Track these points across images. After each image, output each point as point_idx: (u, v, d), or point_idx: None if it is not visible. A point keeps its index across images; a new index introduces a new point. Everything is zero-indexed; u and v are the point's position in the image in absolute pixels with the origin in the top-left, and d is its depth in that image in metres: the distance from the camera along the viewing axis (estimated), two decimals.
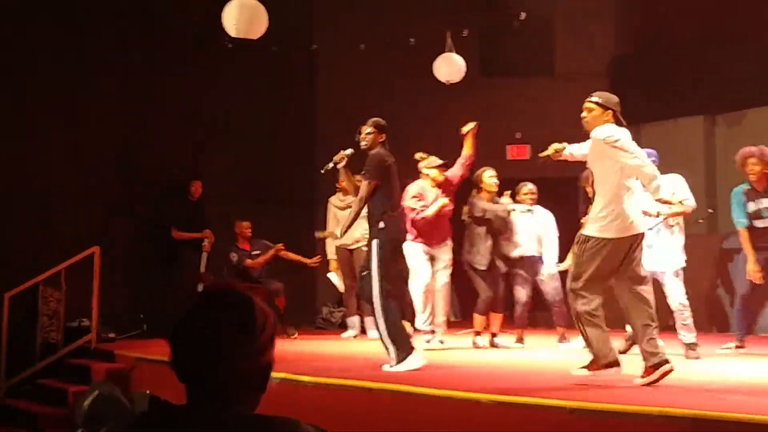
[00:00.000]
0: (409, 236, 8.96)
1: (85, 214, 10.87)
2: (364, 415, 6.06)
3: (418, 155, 9.28)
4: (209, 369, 1.95)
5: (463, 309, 12.18)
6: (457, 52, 11.09)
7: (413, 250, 8.89)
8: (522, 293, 9.21)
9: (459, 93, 11.61)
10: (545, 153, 6.92)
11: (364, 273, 7.11)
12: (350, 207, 10.04)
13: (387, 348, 6.88)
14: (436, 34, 11.31)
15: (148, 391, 7.33)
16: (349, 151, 7.66)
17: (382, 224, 7.11)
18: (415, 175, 9.28)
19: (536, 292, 9.37)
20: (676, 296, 7.75)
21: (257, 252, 10.99)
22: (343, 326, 10.97)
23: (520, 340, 9.36)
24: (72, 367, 9.66)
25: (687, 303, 7.75)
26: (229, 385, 1.97)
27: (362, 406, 6.16)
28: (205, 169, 11.74)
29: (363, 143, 7.42)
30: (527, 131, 13.09)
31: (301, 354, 8.46)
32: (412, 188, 9.06)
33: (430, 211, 8.87)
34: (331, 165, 7.68)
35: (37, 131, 10.71)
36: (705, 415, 4.63)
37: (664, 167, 7.56)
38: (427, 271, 8.87)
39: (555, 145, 6.89)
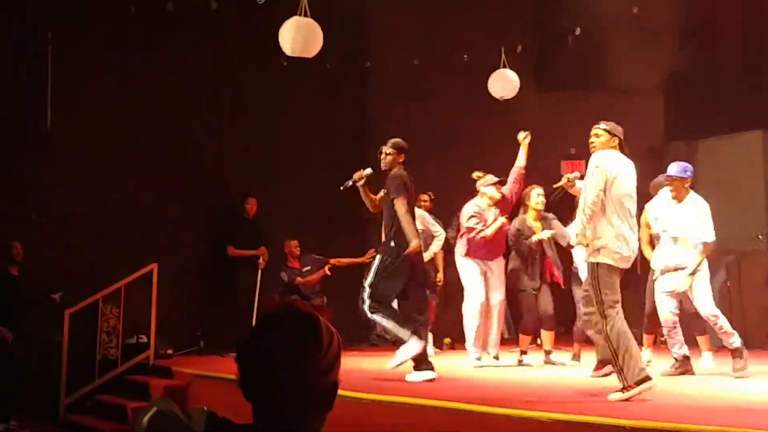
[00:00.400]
0: (461, 251, 9.01)
1: (144, 231, 11.02)
2: None
3: (475, 174, 9.28)
4: (276, 388, 1.95)
5: (516, 325, 12.09)
6: (511, 68, 11.06)
7: (468, 268, 8.90)
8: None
9: (513, 109, 11.58)
10: (559, 184, 7.49)
11: (372, 279, 7.58)
12: None
13: (401, 337, 7.41)
14: (490, 50, 11.29)
15: (205, 408, 7.41)
16: (368, 170, 7.91)
17: (393, 243, 7.50)
18: (466, 189, 9.30)
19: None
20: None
21: (307, 268, 11.12)
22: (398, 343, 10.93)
23: (576, 356, 9.24)
24: (131, 384, 9.78)
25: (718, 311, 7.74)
26: (296, 405, 1.97)
27: (424, 425, 6.15)
28: (259, 187, 11.83)
29: (383, 164, 7.69)
30: (582, 147, 12.94)
31: (358, 371, 8.47)
32: (470, 207, 9.09)
33: (489, 231, 8.88)
34: (350, 183, 7.97)
35: (99, 150, 10.91)
36: None
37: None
38: (481, 292, 8.85)
39: (568, 175, 7.48)
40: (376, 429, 6.32)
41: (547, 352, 9.13)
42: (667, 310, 7.95)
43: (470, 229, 8.91)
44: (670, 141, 12.50)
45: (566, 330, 9.71)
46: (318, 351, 1.97)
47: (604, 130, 6.76)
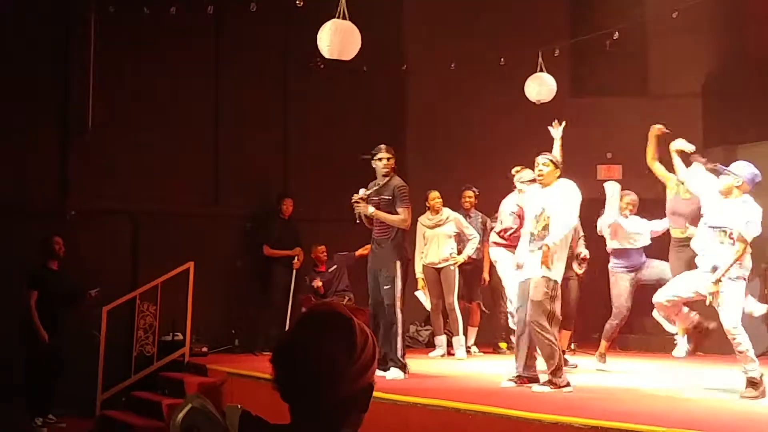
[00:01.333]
0: (496, 244, 9.20)
1: (181, 230, 11.13)
2: None
3: (514, 170, 9.23)
4: (311, 390, 1.97)
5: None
6: (548, 72, 11.04)
7: (506, 262, 8.88)
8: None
9: (550, 113, 11.54)
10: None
11: (386, 287, 7.91)
12: (439, 225, 10.12)
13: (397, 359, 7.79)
14: (527, 53, 11.28)
15: (239, 406, 7.48)
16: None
17: (396, 254, 8.03)
18: (501, 191, 9.34)
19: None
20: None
21: (333, 267, 11.17)
22: (431, 345, 10.96)
23: (601, 356, 9.09)
24: (166, 380, 9.90)
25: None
26: (332, 405, 1.99)
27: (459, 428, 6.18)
28: (295, 189, 11.91)
29: (383, 170, 8.10)
30: (618, 151, 12.93)
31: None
32: (508, 204, 9.14)
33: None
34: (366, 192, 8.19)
35: (138, 148, 11.05)
36: None
37: (759, 190, 7.35)
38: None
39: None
40: (414, 431, 6.36)
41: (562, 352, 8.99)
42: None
43: (507, 228, 8.93)
44: (708, 147, 12.40)
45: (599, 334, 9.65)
46: (353, 353, 1.99)
47: (550, 161, 7.31)
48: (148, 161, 11.12)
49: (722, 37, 12.94)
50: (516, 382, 7.28)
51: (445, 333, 10.52)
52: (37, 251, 9.62)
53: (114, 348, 10.06)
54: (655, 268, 8.99)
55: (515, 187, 9.16)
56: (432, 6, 12.94)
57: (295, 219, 11.49)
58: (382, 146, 8.23)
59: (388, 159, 8.13)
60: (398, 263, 7.98)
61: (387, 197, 8.04)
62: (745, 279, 6.87)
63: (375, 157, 8.16)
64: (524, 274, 7.23)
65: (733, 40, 12.94)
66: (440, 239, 10.22)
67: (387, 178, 8.13)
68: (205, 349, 10.66)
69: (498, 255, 9.35)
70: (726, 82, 12.63)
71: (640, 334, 11.25)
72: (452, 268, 10.22)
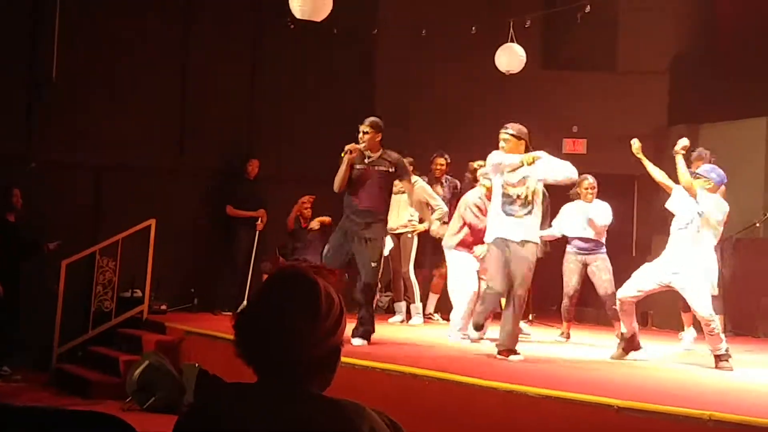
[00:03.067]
0: (452, 244, 8.88)
1: (143, 187, 11.05)
2: (416, 403, 6.14)
3: (476, 163, 9.18)
4: (274, 353, 1.98)
5: None
6: (519, 43, 11.05)
7: (464, 262, 8.76)
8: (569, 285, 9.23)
9: (518, 84, 11.59)
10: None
11: (374, 264, 7.70)
12: (402, 192, 10.05)
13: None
14: (498, 23, 11.28)
15: (196, 364, 7.50)
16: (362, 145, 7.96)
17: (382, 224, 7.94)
18: (470, 156, 9.35)
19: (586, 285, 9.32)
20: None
21: (316, 228, 11.05)
22: (391, 311, 11.01)
23: (564, 334, 9.32)
24: (124, 337, 9.88)
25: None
26: (297, 367, 1.99)
27: (415, 393, 6.23)
28: (262, 149, 11.85)
29: (362, 144, 7.89)
30: (584, 125, 13.01)
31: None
32: (473, 198, 8.84)
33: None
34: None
35: (101, 99, 10.92)
36: (749, 421, 4.63)
37: (722, 169, 7.46)
38: (475, 283, 8.72)
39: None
40: (371, 395, 6.39)
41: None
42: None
43: (467, 225, 8.76)
44: (672, 125, 12.52)
45: (558, 308, 9.78)
46: (316, 316, 1.99)
47: (512, 135, 7.20)
48: (112, 115, 10.98)
49: (691, 16, 13.04)
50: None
51: (404, 299, 10.56)
52: None
53: (72, 302, 10.00)
54: (599, 274, 9.10)
55: (478, 182, 8.99)
56: None
57: (260, 179, 11.43)
58: (369, 119, 8.06)
59: (365, 132, 7.90)
60: (384, 241, 7.99)
61: (384, 169, 7.86)
62: (711, 270, 7.20)
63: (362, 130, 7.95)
64: (512, 236, 7.08)
65: (701, 20, 13.03)
66: (401, 205, 10.07)
67: (380, 151, 7.92)
68: (164, 307, 10.64)
69: (456, 259, 8.93)
70: (693, 61, 12.73)
71: (596, 307, 11.38)
72: (410, 235, 10.23)
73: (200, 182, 11.58)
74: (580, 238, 9.17)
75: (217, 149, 11.71)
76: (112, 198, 10.97)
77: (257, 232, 11.04)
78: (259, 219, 11.10)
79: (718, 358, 7.10)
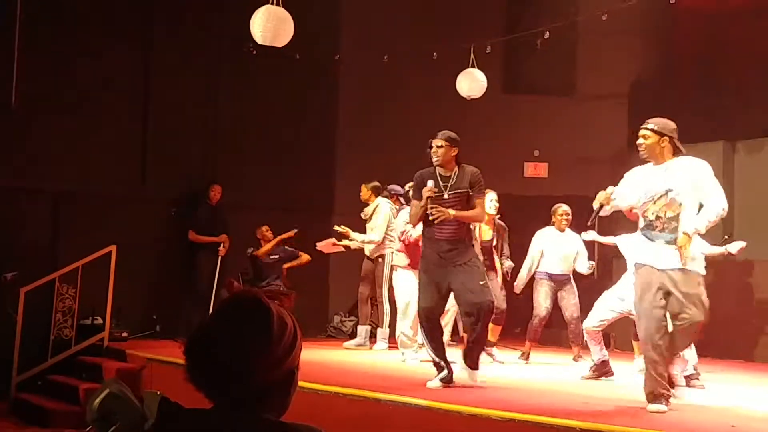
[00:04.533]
0: (404, 262, 8.90)
1: (104, 213, 10.95)
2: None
3: (409, 185, 9.25)
4: (223, 378, 1.96)
5: None
6: (480, 68, 11.14)
7: (410, 281, 8.68)
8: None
9: (480, 109, 11.67)
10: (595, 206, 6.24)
11: (481, 282, 6.88)
12: (368, 217, 10.09)
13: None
14: (459, 49, 11.37)
15: (158, 392, 7.42)
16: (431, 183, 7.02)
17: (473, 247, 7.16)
18: None
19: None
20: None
21: (275, 257, 11.12)
22: (354, 335, 10.97)
23: (524, 355, 9.39)
24: (84, 365, 9.75)
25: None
26: (249, 392, 1.98)
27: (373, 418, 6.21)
28: (225, 175, 11.81)
29: (435, 158, 7.05)
30: (546, 149, 13.13)
31: (313, 362, 8.51)
32: (405, 215, 8.78)
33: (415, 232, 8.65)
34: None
35: (61, 125, 10.83)
36: None
37: None
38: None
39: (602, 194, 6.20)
40: (333, 420, 6.36)
41: (491, 344, 9.15)
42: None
43: (403, 233, 8.78)
44: (632, 147, 12.65)
45: (522, 329, 9.82)
46: (267, 341, 1.97)
47: (651, 130, 6.07)
48: (73, 141, 10.90)
49: (649, 42, 13.23)
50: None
51: (370, 324, 10.55)
52: None
53: (31, 330, 9.86)
54: (568, 298, 9.29)
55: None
56: None
57: (223, 206, 11.40)
58: (443, 132, 7.16)
59: (439, 146, 7.03)
60: (477, 265, 6.99)
61: (464, 190, 6.94)
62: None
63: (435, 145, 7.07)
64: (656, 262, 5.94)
65: (659, 45, 13.23)
66: (368, 232, 10.26)
67: (456, 168, 7.03)
68: (125, 334, 10.52)
69: (401, 277, 8.97)
70: (651, 85, 12.90)
71: (558, 328, 11.43)
72: (379, 260, 10.23)
73: (162, 208, 11.51)
74: (559, 273, 9.37)
75: (179, 176, 11.66)
76: (72, 224, 10.86)
77: (219, 258, 10.99)
78: (222, 244, 11.06)
79: (687, 378, 7.11)
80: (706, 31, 12.34)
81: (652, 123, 6.12)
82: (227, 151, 12.18)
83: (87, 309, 10.26)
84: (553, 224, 9.34)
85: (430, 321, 7.00)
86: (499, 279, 9.31)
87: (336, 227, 10.21)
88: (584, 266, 9.41)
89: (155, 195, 11.51)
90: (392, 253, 9.81)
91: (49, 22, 10.79)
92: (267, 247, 11.14)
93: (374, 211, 10.18)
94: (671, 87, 12.65)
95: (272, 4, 8.79)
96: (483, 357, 7.71)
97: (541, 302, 9.28)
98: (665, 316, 5.75)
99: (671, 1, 9.83)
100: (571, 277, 9.39)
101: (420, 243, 8.54)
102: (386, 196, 10.30)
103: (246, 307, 2.01)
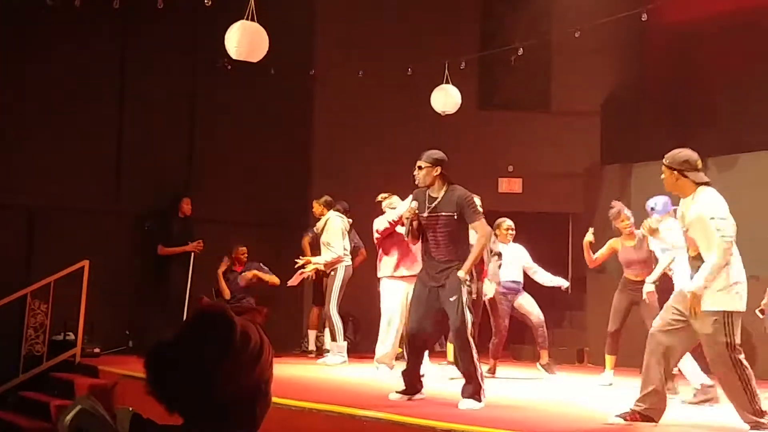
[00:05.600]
0: (388, 273, 8.90)
1: (77, 228, 10.88)
2: None
3: (380, 196, 9.38)
4: (182, 391, 1.95)
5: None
6: (454, 84, 11.20)
7: (396, 289, 8.75)
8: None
9: (454, 124, 11.72)
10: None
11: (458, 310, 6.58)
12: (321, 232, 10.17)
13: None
14: (434, 65, 11.42)
15: (131, 409, 7.35)
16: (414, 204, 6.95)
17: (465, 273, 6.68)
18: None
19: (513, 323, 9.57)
20: None
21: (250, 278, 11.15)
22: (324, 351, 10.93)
23: (491, 371, 9.39)
24: (55, 381, 9.65)
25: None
26: (215, 406, 1.96)
27: None
28: (199, 189, 11.77)
29: (417, 179, 6.87)
30: (520, 165, 13.20)
31: (288, 377, 8.48)
32: (382, 221, 8.91)
33: (400, 212, 8.48)
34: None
35: (35, 140, 10.76)
36: None
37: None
38: (403, 315, 8.65)
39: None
40: None
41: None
42: None
43: (385, 231, 8.74)
44: (605, 164, 12.76)
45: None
46: (225, 351, 1.95)
47: (668, 166, 5.87)
48: (46, 155, 10.82)
49: (622, 58, 13.36)
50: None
51: (346, 339, 10.56)
52: None
53: (2, 346, 9.77)
54: (527, 304, 9.50)
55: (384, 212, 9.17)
56: (342, 12, 12.98)
57: (197, 219, 11.35)
58: (429, 152, 6.89)
59: (419, 167, 6.83)
60: (464, 292, 6.63)
61: (448, 213, 6.72)
62: None
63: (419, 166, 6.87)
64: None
65: (632, 62, 13.36)
66: (322, 246, 10.35)
67: (444, 190, 6.80)
68: (97, 350, 10.43)
69: (388, 285, 8.92)
70: (625, 101, 13.03)
71: (532, 345, 11.50)
72: (331, 273, 10.23)
73: (135, 223, 11.46)
74: (512, 281, 9.45)
75: (153, 190, 11.59)
76: (45, 239, 10.78)
77: (191, 272, 10.92)
78: (192, 254, 10.96)
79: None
80: (678, 48, 12.48)
81: (666, 158, 5.92)
82: (201, 165, 12.15)
83: (59, 324, 10.17)
84: (497, 237, 9.38)
85: (411, 343, 6.97)
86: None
87: (297, 260, 10.23)
88: (546, 279, 9.61)
89: (129, 210, 11.46)
90: (345, 266, 10.14)
91: (22, 36, 10.73)
92: (248, 275, 11.12)
93: (325, 225, 10.24)
94: (643, 103, 12.79)
95: (247, 19, 8.80)
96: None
97: (501, 321, 9.38)
98: None
99: (643, 19, 9.94)
100: (522, 287, 9.54)
101: (396, 246, 8.62)
102: (338, 210, 10.44)
103: (207, 319, 2.00)
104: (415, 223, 6.86)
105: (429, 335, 7.09)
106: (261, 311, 2.10)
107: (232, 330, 1.98)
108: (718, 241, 5.53)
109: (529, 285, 9.66)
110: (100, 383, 9.03)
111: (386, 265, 8.88)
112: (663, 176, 5.92)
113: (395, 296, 8.78)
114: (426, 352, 7.58)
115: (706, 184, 5.79)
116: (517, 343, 11.58)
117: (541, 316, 9.44)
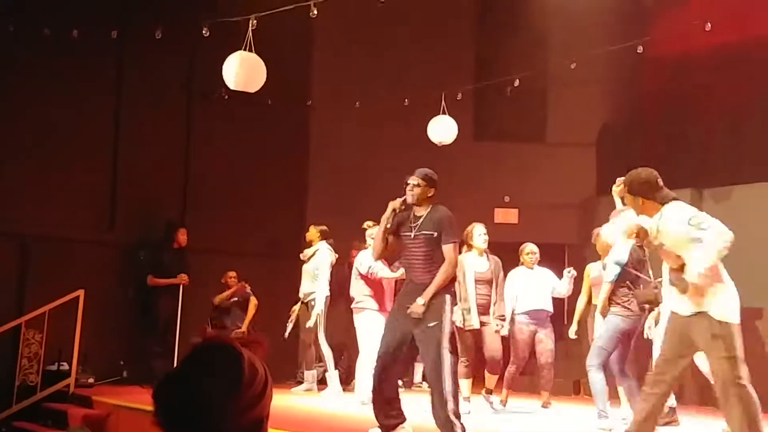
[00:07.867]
0: (372, 305, 8.87)
1: (71, 257, 10.85)
2: None
3: (366, 224, 9.34)
4: (191, 424, 1.94)
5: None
6: (451, 115, 11.23)
7: (377, 321, 8.58)
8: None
9: (451, 155, 11.74)
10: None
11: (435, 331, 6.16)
12: (307, 260, 10.13)
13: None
14: (430, 96, 11.46)
15: None
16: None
17: (446, 297, 6.31)
18: None
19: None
20: None
21: (236, 299, 11.10)
22: (322, 382, 10.84)
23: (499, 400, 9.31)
24: (49, 412, 9.60)
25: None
26: None
27: None
28: (194, 220, 11.76)
29: (410, 197, 6.61)
30: (516, 195, 13.22)
31: (283, 408, 8.42)
32: (365, 257, 8.90)
33: (390, 274, 8.79)
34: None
35: (30, 169, 10.76)
36: None
37: None
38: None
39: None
40: None
41: (489, 392, 9.01)
42: None
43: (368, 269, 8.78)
44: (600, 194, 12.76)
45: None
46: (236, 388, 1.95)
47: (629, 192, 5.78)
48: (42, 185, 10.82)
49: (617, 90, 13.42)
50: None
51: (314, 368, 10.53)
52: None
53: None
54: (546, 342, 9.21)
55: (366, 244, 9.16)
56: (339, 43, 13.04)
57: (192, 250, 11.32)
58: (421, 170, 6.74)
59: (416, 185, 6.62)
60: (447, 303, 6.27)
61: (428, 232, 6.42)
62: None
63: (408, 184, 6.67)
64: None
65: (627, 93, 13.42)
66: (306, 274, 10.31)
67: (428, 210, 6.56)
68: (91, 380, 10.37)
69: (369, 317, 8.92)
70: (619, 132, 13.07)
71: (531, 375, 11.43)
72: (314, 303, 10.17)
73: (130, 253, 11.43)
74: (537, 309, 9.13)
75: (147, 220, 11.59)
76: (39, 268, 10.73)
77: (180, 302, 10.85)
78: (180, 286, 10.91)
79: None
80: (673, 80, 12.54)
81: (625, 183, 5.89)
82: (197, 195, 12.14)
83: (53, 354, 10.12)
84: (522, 264, 9.32)
85: (378, 373, 6.35)
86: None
87: (290, 314, 10.32)
88: (564, 287, 9.26)
89: (124, 239, 11.44)
90: (325, 297, 10.07)
91: (19, 66, 10.76)
92: (224, 295, 11.13)
93: (313, 254, 10.20)
94: (639, 134, 12.82)
95: (245, 50, 8.83)
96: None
97: (521, 350, 9.08)
98: None
99: (639, 51, 10.00)
100: (549, 317, 9.25)
101: (383, 283, 8.64)
102: (331, 243, 10.41)
103: (218, 352, 2.00)
104: (390, 237, 6.59)
105: (397, 363, 6.45)
106: (263, 344, 2.09)
107: (241, 362, 1.98)
108: (708, 225, 5.30)
109: None
110: (94, 414, 8.98)
111: (370, 298, 8.89)
112: (625, 200, 5.74)
113: (377, 327, 8.60)
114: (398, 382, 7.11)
115: (674, 199, 5.63)
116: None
117: (551, 359, 9.10)
